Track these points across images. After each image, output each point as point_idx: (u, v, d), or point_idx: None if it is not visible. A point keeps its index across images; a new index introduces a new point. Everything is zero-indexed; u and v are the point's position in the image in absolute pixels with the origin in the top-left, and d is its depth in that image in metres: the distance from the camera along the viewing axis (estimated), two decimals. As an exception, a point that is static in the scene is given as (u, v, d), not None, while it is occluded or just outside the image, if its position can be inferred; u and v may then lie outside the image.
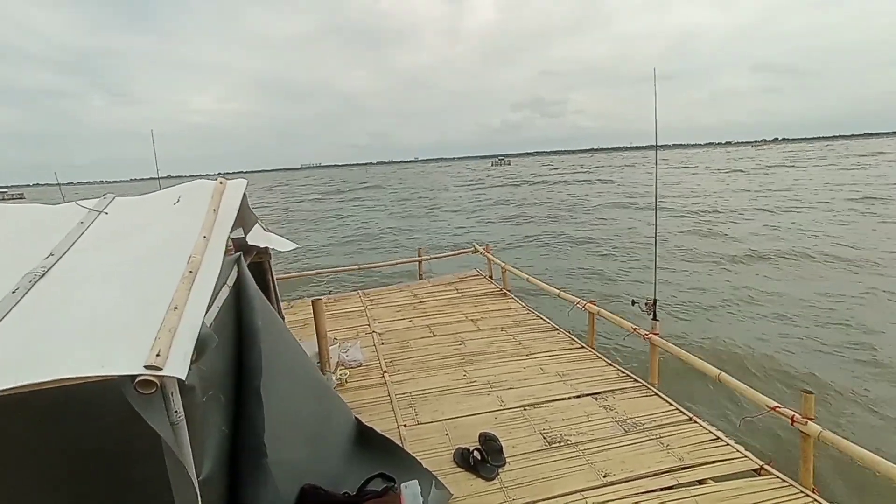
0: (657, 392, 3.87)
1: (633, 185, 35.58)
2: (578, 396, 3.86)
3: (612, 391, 3.92)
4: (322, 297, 7.49)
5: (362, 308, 6.60)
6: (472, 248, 8.30)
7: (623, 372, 4.22)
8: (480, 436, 3.28)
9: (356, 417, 3.20)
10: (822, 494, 2.69)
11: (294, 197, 48.13)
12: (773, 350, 6.04)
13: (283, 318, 4.17)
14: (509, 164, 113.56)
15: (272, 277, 4.09)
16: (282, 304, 4.18)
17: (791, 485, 2.77)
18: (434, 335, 5.37)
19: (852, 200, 19.97)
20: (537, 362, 4.52)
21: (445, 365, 4.56)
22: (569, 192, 34.03)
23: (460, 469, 3.02)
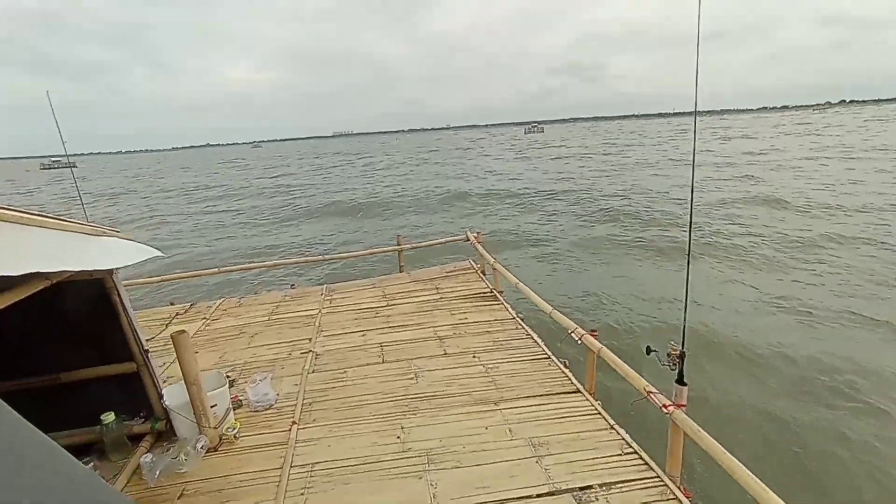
0: (676, 492, 2.49)
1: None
2: (552, 494, 2.54)
3: (608, 485, 2.57)
4: (283, 291, 6.42)
5: (316, 311, 5.42)
6: (465, 236, 6.91)
7: (629, 450, 2.84)
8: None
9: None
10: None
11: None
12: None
13: (144, 349, 3.01)
14: (542, 132, 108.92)
15: (120, 299, 2.90)
16: (140, 329, 3.01)
17: None
18: (383, 361, 4.12)
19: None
20: (507, 418, 3.20)
21: (379, 414, 3.32)
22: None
23: None
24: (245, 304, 5.91)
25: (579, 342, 3.46)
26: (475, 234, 6.55)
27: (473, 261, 6.85)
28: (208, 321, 5.38)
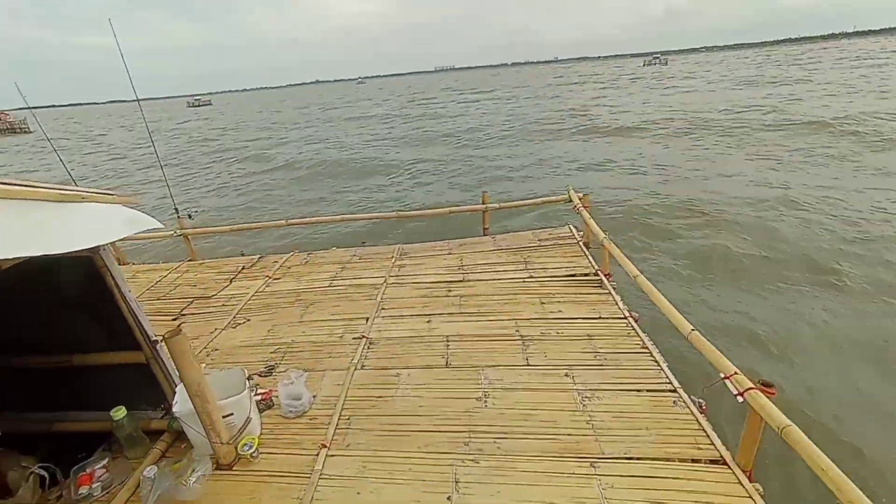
0: None
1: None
2: None
3: None
4: (353, 250, 5.81)
5: (381, 281, 4.69)
6: (566, 197, 5.56)
7: None
8: None
9: None
10: None
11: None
12: None
13: (150, 339, 2.47)
14: (665, 64, 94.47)
15: (115, 282, 2.32)
16: (144, 319, 2.45)
17: None
18: (447, 364, 3.25)
19: None
20: (607, 493, 2.17)
21: (429, 451, 2.49)
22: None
23: None
24: (311, 261, 5.42)
25: (739, 399, 2.20)
26: (580, 196, 5.19)
27: (575, 227, 5.56)
28: (270, 280, 4.98)
